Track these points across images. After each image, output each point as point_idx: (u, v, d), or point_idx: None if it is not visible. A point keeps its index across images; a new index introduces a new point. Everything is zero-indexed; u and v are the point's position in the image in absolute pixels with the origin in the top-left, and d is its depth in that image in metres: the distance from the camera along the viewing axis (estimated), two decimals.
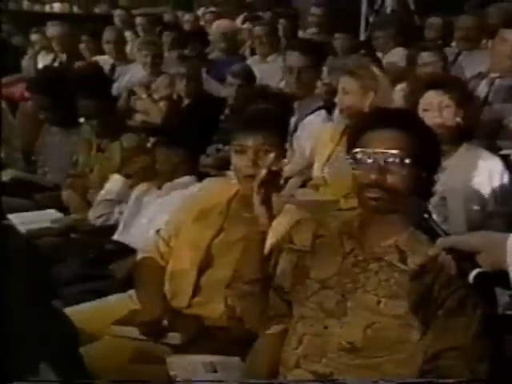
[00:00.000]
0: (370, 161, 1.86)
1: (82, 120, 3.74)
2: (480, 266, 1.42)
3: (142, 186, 3.23)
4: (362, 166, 1.87)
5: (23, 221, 3.47)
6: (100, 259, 3.04)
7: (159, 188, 3.19)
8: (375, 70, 3.35)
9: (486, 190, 2.83)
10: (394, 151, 1.84)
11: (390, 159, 1.84)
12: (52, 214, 3.61)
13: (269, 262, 2.01)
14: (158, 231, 2.63)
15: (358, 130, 1.95)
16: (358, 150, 1.88)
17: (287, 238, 2.05)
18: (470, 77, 4.70)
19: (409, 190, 1.84)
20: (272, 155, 2.16)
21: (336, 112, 3.74)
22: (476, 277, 1.42)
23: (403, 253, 1.85)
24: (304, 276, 1.94)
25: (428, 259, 1.66)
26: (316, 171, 3.51)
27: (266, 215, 1.98)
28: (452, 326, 1.73)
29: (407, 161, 1.84)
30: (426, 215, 1.56)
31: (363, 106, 3.22)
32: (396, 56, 5.51)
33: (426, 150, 1.89)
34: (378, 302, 1.80)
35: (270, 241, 2.23)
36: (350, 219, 1.99)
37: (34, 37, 6.44)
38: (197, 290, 2.42)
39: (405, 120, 1.94)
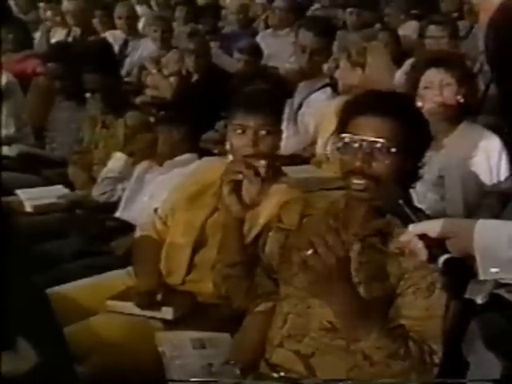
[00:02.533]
0: (356, 145, 1.86)
1: (87, 95, 3.76)
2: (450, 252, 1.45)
3: (144, 164, 3.26)
4: (349, 150, 1.87)
5: (30, 196, 3.54)
6: (102, 236, 3.09)
7: (161, 165, 3.22)
8: (373, 46, 3.35)
9: (483, 169, 2.81)
10: (380, 140, 1.83)
11: (377, 146, 1.84)
12: (59, 189, 3.65)
13: (251, 246, 2.05)
14: (155, 210, 2.68)
15: (348, 113, 1.93)
16: (345, 135, 1.89)
17: (276, 217, 2.09)
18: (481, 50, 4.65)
19: (393, 177, 1.84)
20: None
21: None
22: (445, 262, 1.44)
23: (385, 235, 1.88)
24: (290, 255, 1.97)
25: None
26: (319, 148, 3.52)
27: (237, 203, 2.02)
28: (417, 304, 1.78)
29: (393, 150, 1.83)
30: (400, 201, 1.57)
31: (353, 82, 3.24)
32: (408, 29, 5.46)
33: (416, 139, 1.89)
34: (358, 284, 1.83)
35: (260, 221, 2.28)
36: (337, 199, 2.01)
37: (47, 13, 6.47)
38: (191, 268, 2.47)
39: (398, 107, 1.91)
